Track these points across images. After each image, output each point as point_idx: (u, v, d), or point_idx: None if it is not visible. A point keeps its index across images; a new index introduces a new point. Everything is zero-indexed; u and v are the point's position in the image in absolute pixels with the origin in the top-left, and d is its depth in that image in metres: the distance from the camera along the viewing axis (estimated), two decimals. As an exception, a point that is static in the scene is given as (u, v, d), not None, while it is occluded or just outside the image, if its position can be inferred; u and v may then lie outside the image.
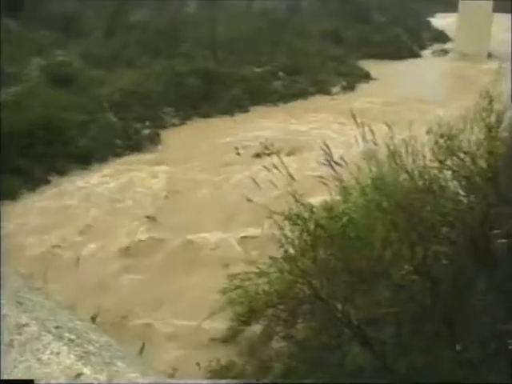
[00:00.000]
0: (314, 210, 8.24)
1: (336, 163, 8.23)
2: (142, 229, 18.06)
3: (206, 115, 31.01)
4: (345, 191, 7.89)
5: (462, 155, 6.76)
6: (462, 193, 6.92)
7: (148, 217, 18.96)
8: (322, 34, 47.65)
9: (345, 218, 7.53)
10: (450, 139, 6.77)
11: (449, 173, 6.95)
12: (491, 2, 53.43)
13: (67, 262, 15.67)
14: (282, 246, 7.82)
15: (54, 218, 18.62)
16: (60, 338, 3.65)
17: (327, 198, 8.59)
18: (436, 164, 6.92)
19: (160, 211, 19.45)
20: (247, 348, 9.87)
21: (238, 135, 27.41)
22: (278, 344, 9.37)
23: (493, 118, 6.80)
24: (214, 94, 32.17)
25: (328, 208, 8.19)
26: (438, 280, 6.50)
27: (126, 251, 16.61)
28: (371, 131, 8.31)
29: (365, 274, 7.03)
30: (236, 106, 32.22)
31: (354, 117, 8.47)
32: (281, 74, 38.33)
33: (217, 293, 8.86)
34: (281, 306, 8.20)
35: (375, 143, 7.83)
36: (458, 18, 55.18)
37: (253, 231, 15.89)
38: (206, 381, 8.07)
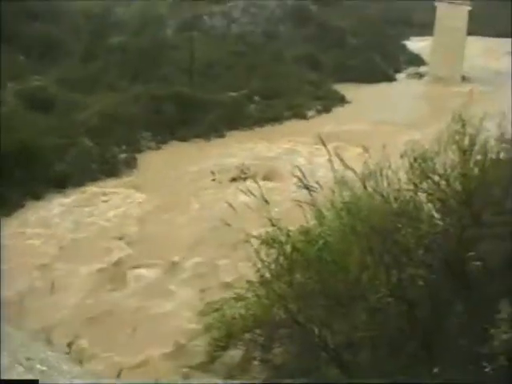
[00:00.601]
0: (291, 233, 8.24)
1: (311, 187, 8.24)
2: (117, 252, 17.99)
3: (183, 139, 31.00)
4: (320, 215, 7.90)
5: (436, 178, 6.80)
6: (437, 215, 6.95)
7: (121, 238, 18.92)
8: (297, 58, 47.84)
9: (321, 242, 7.53)
10: (425, 162, 6.82)
11: (424, 196, 6.99)
12: (465, 26, 54.04)
13: (42, 287, 15.56)
14: (258, 271, 7.80)
15: (28, 242, 18.52)
16: (31, 369, 3.57)
17: (303, 221, 8.58)
18: (411, 187, 6.96)
19: (134, 235, 19.39)
20: (225, 374, 9.81)
21: (214, 159, 27.42)
22: (256, 369, 9.31)
23: (466, 141, 6.86)
24: (191, 118, 32.17)
25: (304, 232, 8.19)
26: (414, 303, 6.52)
27: (100, 274, 16.54)
28: (346, 155, 8.34)
29: (341, 298, 7.02)
30: (212, 130, 32.23)
31: (322, 141, 8.50)
32: (256, 98, 38.44)
33: (194, 319, 8.83)
34: (258, 331, 8.17)
35: (350, 167, 7.85)
36: (432, 41, 55.73)
37: (229, 255, 15.87)
38: (205, 381, 7.98)
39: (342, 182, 7.77)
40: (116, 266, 17.18)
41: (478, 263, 6.25)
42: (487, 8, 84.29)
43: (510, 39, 78.17)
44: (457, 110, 7.07)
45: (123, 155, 27.66)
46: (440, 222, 6.88)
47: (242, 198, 9.41)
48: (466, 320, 6.23)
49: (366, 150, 7.84)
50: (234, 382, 8.29)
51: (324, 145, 8.52)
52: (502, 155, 7.18)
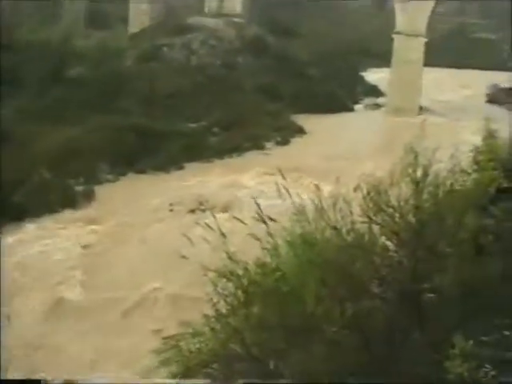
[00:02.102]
0: (248, 266, 8.22)
1: (268, 219, 8.25)
2: (72, 286, 17.83)
3: (142, 171, 30.95)
4: (276, 247, 7.90)
5: (390, 210, 6.85)
6: (391, 248, 6.99)
7: (77, 271, 18.76)
8: (257, 89, 48.13)
9: (277, 274, 7.52)
10: (378, 195, 6.87)
11: (378, 228, 7.03)
12: (422, 58, 54.81)
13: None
14: (214, 305, 7.76)
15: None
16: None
17: (260, 253, 8.58)
18: (365, 219, 6.99)
19: (90, 268, 19.24)
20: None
21: (173, 191, 27.37)
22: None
23: (419, 173, 6.94)
24: (150, 149, 32.15)
25: (261, 264, 8.18)
26: (370, 335, 6.53)
27: (54, 309, 16.36)
28: (302, 186, 8.39)
29: (298, 330, 7.01)
30: (171, 162, 32.19)
31: (281, 173, 8.54)
32: (216, 129, 38.57)
33: (150, 353, 8.73)
34: (215, 365, 8.11)
35: (305, 199, 7.88)
36: (390, 72, 56.40)
37: (185, 289, 15.80)
38: (202, 381, 7.85)
39: (298, 214, 7.78)
40: (69, 298, 16.99)
41: (432, 295, 6.29)
42: (441, 40, 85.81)
43: (463, 70, 79.67)
44: (410, 142, 7.16)
45: (81, 187, 27.54)
46: (394, 254, 6.93)
47: (200, 230, 9.38)
48: (421, 352, 6.24)
49: (319, 187, 7.87)
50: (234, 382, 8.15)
51: (283, 177, 8.55)
52: (454, 186, 7.28)
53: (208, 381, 7.31)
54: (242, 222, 8.86)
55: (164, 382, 7.66)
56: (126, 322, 15.60)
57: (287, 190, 8.58)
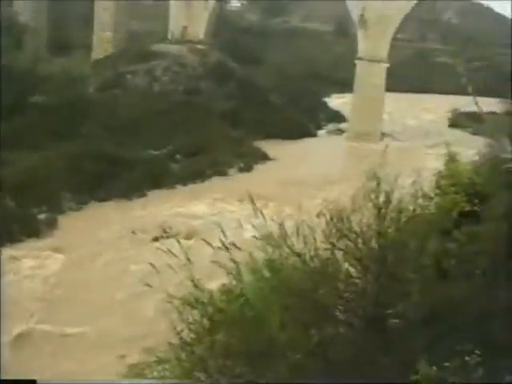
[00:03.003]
0: (213, 293, 8.21)
1: (232, 245, 8.25)
2: (33, 318, 17.64)
3: (105, 199, 30.77)
4: (240, 273, 7.89)
5: (352, 236, 6.88)
6: (354, 274, 7.01)
7: (39, 303, 18.56)
8: (220, 115, 48.21)
9: (241, 299, 7.52)
10: (341, 221, 6.90)
11: (341, 254, 7.06)
12: (384, 83, 55.33)
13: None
14: (178, 333, 7.72)
15: None
16: None
17: (225, 280, 8.56)
18: (328, 246, 7.02)
19: (52, 298, 19.05)
20: None
21: (136, 219, 27.27)
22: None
23: (381, 199, 6.98)
24: (113, 177, 32.01)
25: (226, 291, 8.17)
26: (335, 361, 6.52)
27: (17, 340, 16.17)
28: (266, 212, 8.38)
29: (262, 356, 6.99)
30: (134, 189, 32.04)
31: (252, 199, 8.54)
32: (178, 156, 38.56)
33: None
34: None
35: (269, 225, 7.90)
36: (352, 98, 56.84)
37: (150, 316, 15.70)
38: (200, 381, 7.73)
39: (262, 241, 7.79)
40: (30, 329, 16.78)
41: (396, 320, 6.32)
42: (403, 65, 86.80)
43: (425, 95, 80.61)
44: (372, 168, 7.21)
45: (44, 216, 27.29)
46: (358, 280, 6.95)
47: (164, 257, 9.33)
48: (386, 378, 6.24)
49: (281, 213, 7.89)
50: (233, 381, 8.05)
51: (253, 203, 8.55)
52: (416, 211, 7.34)
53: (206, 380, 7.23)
54: (210, 245, 8.83)
55: (164, 382, 7.59)
56: (89, 353, 15.42)
57: (251, 217, 8.57)
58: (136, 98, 47.64)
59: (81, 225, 26.66)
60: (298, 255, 7.13)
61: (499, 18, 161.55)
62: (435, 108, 70.66)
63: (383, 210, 6.98)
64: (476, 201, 8.34)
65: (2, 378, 8.55)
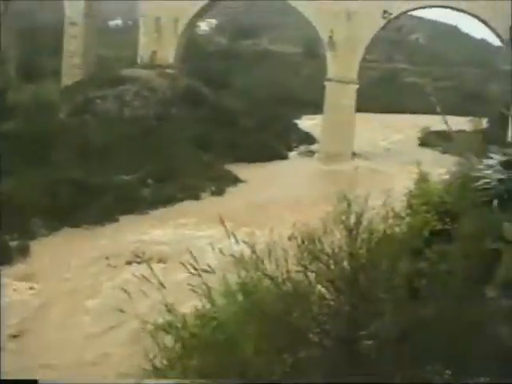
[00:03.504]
0: (186, 318, 8.17)
1: (204, 269, 8.23)
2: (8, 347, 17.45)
3: (77, 225, 30.61)
4: (213, 297, 7.87)
5: (324, 258, 6.89)
6: (327, 296, 7.01)
7: (13, 335, 18.37)
8: (190, 139, 48.20)
9: (214, 323, 7.49)
10: (313, 243, 6.92)
11: (313, 276, 7.06)
12: (354, 104, 55.70)
13: None
14: (151, 360, 7.67)
15: None
16: None
17: (198, 304, 8.53)
18: (300, 268, 7.02)
19: (27, 327, 18.87)
20: None
21: (109, 245, 27.15)
22: None
23: (352, 220, 7.01)
24: (84, 203, 31.89)
25: (200, 315, 8.13)
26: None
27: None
28: (238, 236, 8.37)
29: (236, 381, 6.95)
30: (106, 215, 31.94)
31: (223, 222, 8.54)
32: (150, 181, 38.49)
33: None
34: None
35: (242, 248, 7.89)
36: (322, 119, 57.12)
37: (124, 342, 15.60)
38: (201, 381, 7.63)
39: (234, 264, 7.77)
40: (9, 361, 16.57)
41: (369, 342, 6.32)
42: (373, 86, 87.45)
43: (395, 115, 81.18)
44: (343, 190, 7.24)
45: (16, 242, 27.08)
46: (331, 302, 6.96)
47: (137, 282, 9.28)
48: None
49: (254, 235, 7.90)
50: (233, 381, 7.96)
51: (225, 226, 8.54)
52: (387, 232, 7.36)
53: (206, 380, 7.16)
54: (186, 267, 8.78)
55: (164, 382, 7.51)
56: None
57: (223, 240, 8.57)
58: (106, 123, 47.54)
59: (53, 251, 26.49)
60: (271, 278, 7.12)
61: (466, 37, 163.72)
62: (405, 127, 71.22)
63: (354, 232, 7.00)
64: (447, 219, 8.39)
65: (2, 377, 8.44)
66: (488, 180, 7.84)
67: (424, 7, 59.58)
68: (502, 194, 7.71)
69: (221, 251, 8.56)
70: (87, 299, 21.35)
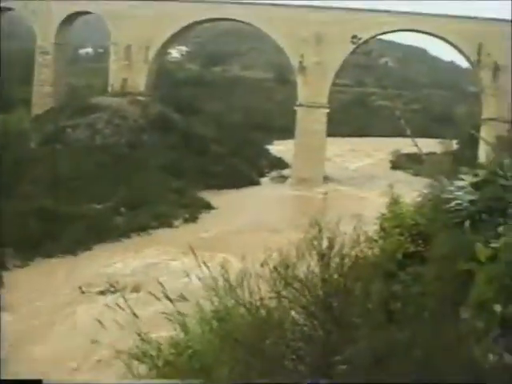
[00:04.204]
0: (161, 346, 8.11)
1: (179, 298, 8.19)
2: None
3: (49, 255, 30.39)
4: (187, 325, 7.83)
5: (297, 284, 6.86)
6: (301, 322, 6.98)
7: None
8: (162, 166, 48.14)
9: (189, 351, 7.45)
10: (285, 269, 6.89)
11: (287, 302, 7.03)
12: (324, 128, 55.97)
13: None
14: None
15: None
16: None
17: (173, 332, 8.48)
18: (273, 295, 6.99)
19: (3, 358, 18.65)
20: None
21: (82, 274, 26.97)
22: None
23: (324, 246, 7.00)
24: (56, 233, 31.68)
25: (174, 344, 8.08)
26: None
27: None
28: (211, 263, 8.35)
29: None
30: (79, 244, 31.75)
31: (193, 250, 8.52)
32: (122, 209, 38.33)
33: None
34: None
35: (216, 275, 7.86)
36: (294, 144, 57.26)
37: (99, 372, 15.47)
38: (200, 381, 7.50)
39: (209, 291, 7.74)
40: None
41: (344, 366, 6.30)
42: (343, 110, 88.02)
43: (366, 138, 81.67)
44: (314, 215, 7.24)
45: (-11, 274, 26.87)
46: (305, 328, 6.92)
47: (111, 312, 9.21)
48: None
49: (227, 263, 7.88)
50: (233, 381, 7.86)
51: (195, 255, 8.52)
52: (359, 256, 7.36)
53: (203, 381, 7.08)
54: (156, 298, 8.75)
55: (164, 382, 7.43)
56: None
57: (197, 267, 8.53)
58: (77, 151, 47.40)
59: (27, 282, 26.28)
60: (244, 305, 7.09)
61: (435, 60, 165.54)
62: (376, 151, 71.63)
63: (326, 257, 6.99)
64: (420, 241, 8.40)
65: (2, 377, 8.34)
66: (459, 201, 7.87)
67: (393, 31, 60.16)
68: (473, 215, 7.73)
69: (194, 279, 8.53)
70: (60, 329, 21.17)
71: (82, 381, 8.64)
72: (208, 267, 8.39)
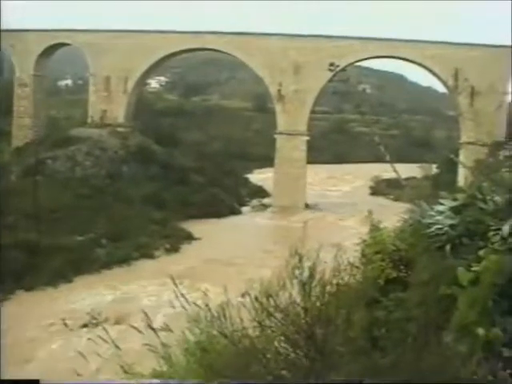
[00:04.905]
0: (144, 379, 8.05)
1: (161, 328, 8.15)
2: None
3: (31, 288, 30.19)
4: (171, 356, 7.78)
5: (279, 314, 6.84)
6: (284, 351, 6.95)
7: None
8: (143, 197, 48.10)
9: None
10: (267, 299, 6.87)
11: (270, 332, 7.00)
12: (305, 156, 56.15)
13: None
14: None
15: None
16: None
17: (156, 363, 8.42)
18: (256, 325, 6.96)
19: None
20: None
21: (63, 306, 26.78)
22: None
23: (305, 275, 6.98)
24: (38, 265, 31.51)
25: (158, 375, 8.03)
26: None
27: None
28: (194, 294, 8.31)
29: None
30: (60, 276, 31.59)
31: (174, 281, 8.48)
32: (103, 240, 38.18)
33: None
34: None
35: (198, 306, 7.83)
36: (274, 173, 57.38)
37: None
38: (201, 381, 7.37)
39: (192, 322, 7.71)
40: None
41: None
42: (323, 136, 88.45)
43: (346, 164, 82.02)
44: (294, 244, 7.23)
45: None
46: (288, 358, 6.89)
47: (94, 345, 9.14)
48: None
49: (208, 293, 7.85)
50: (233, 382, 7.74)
51: (176, 285, 8.48)
52: (341, 284, 7.35)
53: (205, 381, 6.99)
54: (138, 330, 8.68)
55: (164, 382, 7.33)
56: None
57: (180, 298, 8.48)
58: (58, 183, 47.29)
59: (8, 315, 26.01)
60: (225, 336, 7.06)
61: (413, 85, 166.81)
62: (356, 177, 71.93)
63: (307, 286, 6.98)
64: (401, 267, 8.43)
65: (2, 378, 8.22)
66: (440, 226, 7.90)
67: (370, 58, 60.60)
68: (454, 239, 7.77)
69: (176, 310, 8.48)
70: (43, 363, 20.99)
71: (81, 381, 8.56)
72: (189, 298, 8.36)
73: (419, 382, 5.85)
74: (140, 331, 8.73)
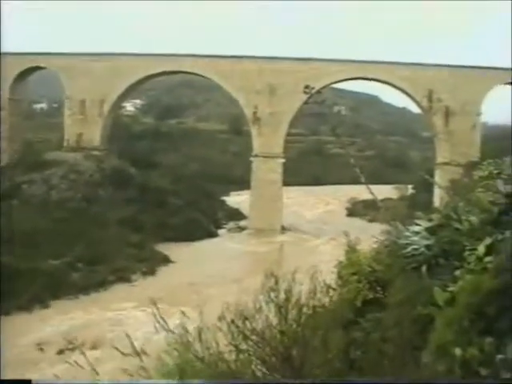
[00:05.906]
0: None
1: (139, 353, 8.10)
2: None
3: (5, 313, 29.83)
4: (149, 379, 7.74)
5: (255, 337, 6.80)
6: (261, 374, 6.90)
7: None
8: (119, 220, 47.93)
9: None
10: (243, 322, 6.84)
11: (246, 355, 6.95)
12: (280, 178, 56.27)
13: None
14: None
15: None
16: None
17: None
18: (232, 348, 6.93)
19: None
20: None
21: (39, 332, 26.53)
22: None
23: (281, 297, 6.96)
24: (12, 290, 31.18)
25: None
26: None
27: None
28: (170, 320, 8.28)
29: None
30: (35, 301, 31.22)
31: (155, 304, 8.45)
32: (79, 264, 37.92)
33: None
34: None
35: (172, 330, 7.79)
36: (250, 195, 57.43)
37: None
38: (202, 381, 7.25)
39: (169, 346, 7.67)
40: None
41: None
42: (299, 159, 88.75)
43: (323, 186, 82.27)
44: (270, 267, 7.22)
45: None
46: (265, 381, 6.85)
47: (72, 371, 9.06)
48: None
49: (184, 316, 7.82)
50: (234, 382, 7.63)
51: (155, 309, 8.44)
52: (317, 306, 7.34)
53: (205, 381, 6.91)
54: (121, 352, 8.61)
55: (164, 382, 7.24)
56: None
57: (158, 321, 8.45)
58: (33, 207, 47.03)
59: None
60: (201, 360, 7.03)
61: (388, 106, 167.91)
62: (333, 199, 72.13)
63: (283, 309, 6.97)
64: (378, 288, 8.44)
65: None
66: (415, 246, 7.92)
67: (344, 80, 60.98)
68: (430, 260, 7.79)
69: (153, 335, 8.44)
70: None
71: (74, 380, 8.46)
72: (165, 321, 8.32)
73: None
74: (116, 356, 8.67)
